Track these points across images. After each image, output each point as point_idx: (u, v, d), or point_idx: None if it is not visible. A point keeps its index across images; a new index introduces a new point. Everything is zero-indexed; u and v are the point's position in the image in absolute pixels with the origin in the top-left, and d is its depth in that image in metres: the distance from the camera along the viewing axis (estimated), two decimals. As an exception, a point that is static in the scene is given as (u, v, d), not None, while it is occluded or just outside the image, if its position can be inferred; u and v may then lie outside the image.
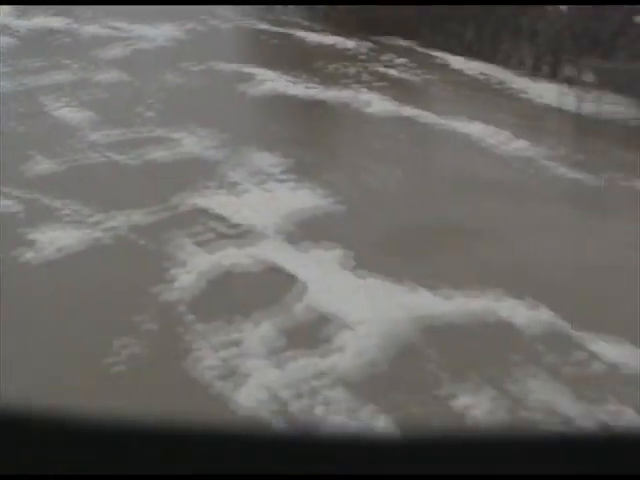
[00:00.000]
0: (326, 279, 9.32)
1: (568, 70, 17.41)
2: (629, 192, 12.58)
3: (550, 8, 18.86)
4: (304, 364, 7.68)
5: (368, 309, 8.59)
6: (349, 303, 8.75)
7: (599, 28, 17.49)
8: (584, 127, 15.66)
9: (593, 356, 7.79)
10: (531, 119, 15.88)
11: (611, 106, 15.68)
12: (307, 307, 8.73)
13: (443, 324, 8.36)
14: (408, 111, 15.57)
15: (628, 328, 8.17)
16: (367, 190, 11.97)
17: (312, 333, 8.20)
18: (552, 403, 7.08)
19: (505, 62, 19.15)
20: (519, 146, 14.05)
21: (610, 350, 7.84)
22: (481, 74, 18.80)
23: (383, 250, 10.03)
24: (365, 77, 17.88)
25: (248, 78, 17.36)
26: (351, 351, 7.83)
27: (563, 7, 18.72)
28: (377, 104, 15.93)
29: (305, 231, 10.55)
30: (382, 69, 18.62)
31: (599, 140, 15.03)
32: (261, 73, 17.68)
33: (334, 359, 7.73)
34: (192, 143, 13.80)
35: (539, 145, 14.10)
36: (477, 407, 7.09)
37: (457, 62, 19.36)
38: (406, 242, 10.35)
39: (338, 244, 10.04)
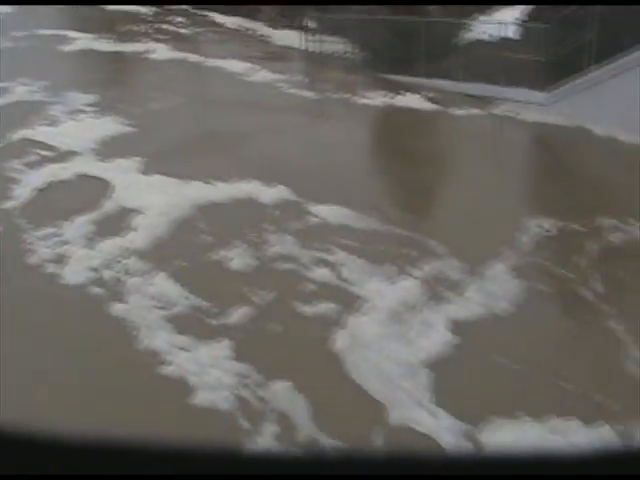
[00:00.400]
0: (127, 181, 8.72)
1: (300, 21, 17.10)
2: (343, 103, 12.60)
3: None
4: (110, 244, 7.19)
5: (158, 199, 8.10)
6: (144, 197, 8.22)
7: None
8: (312, 60, 15.48)
9: (315, 216, 7.70)
10: (274, 56, 15.52)
11: (330, 45, 15.58)
12: (113, 203, 8.14)
13: (212, 205, 8.01)
14: (184, 55, 14.85)
15: (339, 196, 8.17)
16: (155, 114, 11.30)
17: (116, 221, 7.68)
18: (287, 253, 6.94)
19: (256, 17, 18.69)
20: (265, 75, 13.70)
21: (326, 211, 7.77)
22: (239, 26, 18.23)
23: (169, 157, 9.48)
24: (152, 33, 16.85)
25: (64, 40, 15.93)
26: (144, 231, 7.39)
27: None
28: (161, 52, 15.07)
29: (110, 149, 9.81)
30: (165, 26, 17.59)
31: (323, 68, 14.96)
32: (74, 35, 16.31)
33: (131, 237, 7.27)
34: (22, 91, 12.54)
35: (279, 74, 13.80)
36: (238, 259, 6.89)
37: (222, 19, 18.68)
38: (186, 149, 9.83)
39: (135, 155, 9.41)
